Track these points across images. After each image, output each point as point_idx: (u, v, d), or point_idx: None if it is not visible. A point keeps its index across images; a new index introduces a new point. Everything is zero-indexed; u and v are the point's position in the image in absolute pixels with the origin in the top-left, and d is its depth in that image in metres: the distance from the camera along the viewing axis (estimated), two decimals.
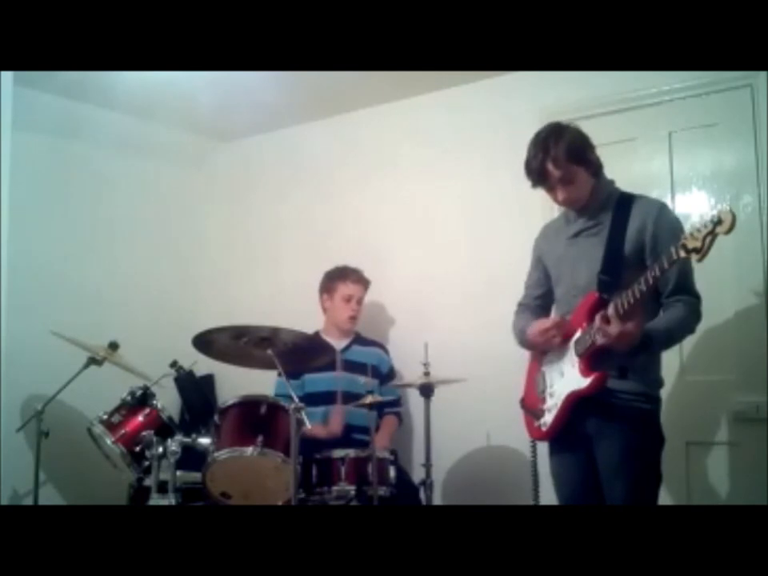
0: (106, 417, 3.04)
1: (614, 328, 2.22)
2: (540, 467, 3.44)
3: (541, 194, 3.46)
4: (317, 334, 3.60)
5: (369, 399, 2.98)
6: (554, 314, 2.67)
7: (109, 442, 2.98)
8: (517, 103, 3.55)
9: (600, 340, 2.27)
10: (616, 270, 2.36)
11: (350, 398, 3.41)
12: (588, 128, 3.38)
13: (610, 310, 2.24)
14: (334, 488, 2.98)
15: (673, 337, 2.39)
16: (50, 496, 3.56)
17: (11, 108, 2.91)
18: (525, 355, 3.57)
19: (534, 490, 2.67)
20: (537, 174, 2.47)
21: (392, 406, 3.58)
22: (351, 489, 2.96)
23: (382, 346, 3.76)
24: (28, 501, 3.31)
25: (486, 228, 3.64)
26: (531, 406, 2.60)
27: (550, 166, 2.42)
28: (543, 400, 2.53)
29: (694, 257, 2.00)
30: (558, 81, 3.34)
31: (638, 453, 2.35)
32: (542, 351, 2.58)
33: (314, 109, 4.06)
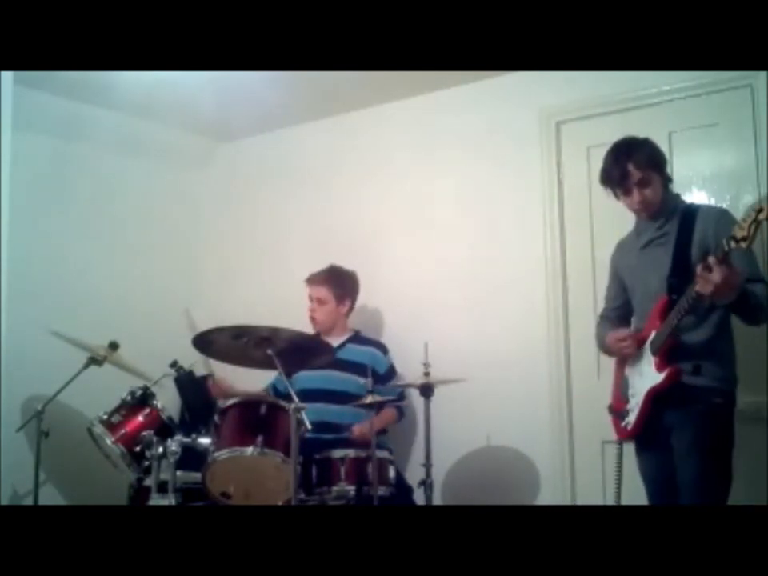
0: (106, 417, 3.04)
1: (717, 275, 2.22)
2: (540, 465, 3.44)
3: (541, 194, 3.49)
4: (317, 333, 3.59)
5: (369, 399, 2.98)
6: (633, 324, 2.78)
7: (109, 441, 2.98)
8: (517, 103, 3.55)
9: (703, 289, 2.27)
10: (684, 272, 2.46)
11: (342, 396, 3.38)
12: (588, 128, 3.40)
13: (711, 259, 2.24)
14: (334, 488, 2.97)
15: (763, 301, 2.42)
16: (49, 496, 3.55)
17: (11, 108, 2.91)
18: (525, 356, 3.58)
19: (616, 490, 2.73)
20: (618, 175, 2.58)
21: (393, 402, 3.49)
22: (351, 489, 2.96)
23: (379, 346, 3.67)
24: (28, 501, 3.30)
25: (486, 227, 3.64)
26: (618, 409, 2.71)
27: (631, 167, 2.55)
28: (627, 402, 2.65)
29: (742, 244, 2.14)
30: (558, 81, 3.34)
31: (709, 446, 2.45)
32: (623, 358, 2.70)
33: (314, 109, 4.06)
